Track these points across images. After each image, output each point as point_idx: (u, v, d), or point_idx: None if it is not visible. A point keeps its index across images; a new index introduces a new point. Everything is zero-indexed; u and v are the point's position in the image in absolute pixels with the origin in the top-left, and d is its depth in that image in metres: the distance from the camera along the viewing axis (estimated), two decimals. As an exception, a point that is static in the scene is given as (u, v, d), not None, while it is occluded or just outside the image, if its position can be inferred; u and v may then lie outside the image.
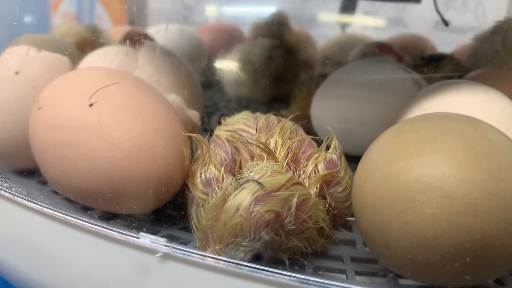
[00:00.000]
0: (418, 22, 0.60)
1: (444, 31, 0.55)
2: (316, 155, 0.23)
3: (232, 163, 0.22)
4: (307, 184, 0.22)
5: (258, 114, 0.26)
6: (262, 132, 0.23)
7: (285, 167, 0.22)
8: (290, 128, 0.24)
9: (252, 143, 0.22)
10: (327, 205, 0.22)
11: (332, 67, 0.43)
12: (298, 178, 0.22)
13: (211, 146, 0.23)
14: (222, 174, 0.21)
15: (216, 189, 0.21)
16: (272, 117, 0.25)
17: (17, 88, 0.26)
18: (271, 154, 0.22)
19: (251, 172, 0.20)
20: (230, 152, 0.22)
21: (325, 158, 0.23)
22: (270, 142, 0.23)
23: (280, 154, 0.22)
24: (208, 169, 0.22)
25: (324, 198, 0.23)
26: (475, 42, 0.39)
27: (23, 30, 0.36)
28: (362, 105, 0.33)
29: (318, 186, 0.22)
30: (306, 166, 0.22)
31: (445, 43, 0.53)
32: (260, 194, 0.18)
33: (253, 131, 0.23)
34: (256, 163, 0.21)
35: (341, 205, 0.23)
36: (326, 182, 0.23)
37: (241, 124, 0.24)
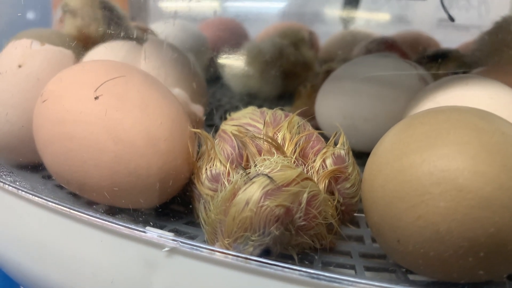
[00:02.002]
0: (421, 19, 0.60)
1: (447, 29, 0.54)
2: (324, 150, 0.22)
3: (239, 158, 0.22)
4: (315, 179, 0.21)
5: (264, 109, 0.26)
6: (269, 126, 0.23)
7: (294, 162, 0.21)
8: (298, 123, 0.24)
9: (260, 138, 0.22)
10: (336, 201, 0.22)
11: (336, 63, 0.43)
12: (307, 173, 0.22)
13: (216, 141, 0.23)
14: (228, 169, 0.21)
15: (226, 183, 0.20)
16: (279, 112, 0.25)
17: (20, 81, 0.26)
18: (279, 148, 0.21)
19: (261, 166, 0.20)
20: (236, 146, 0.22)
21: (333, 154, 0.22)
22: (278, 136, 0.22)
23: (288, 149, 0.22)
24: (213, 164, 0.21)
25: (332, 193, 0.22)
26: (481, 38, 0.39)
27: (25, 27, 0.35)
28: (367, 101, 0.32)
29: (327, 181, 0.22)
30: (314, 161, 0.22)
31: (449, 41, 0.52)
32: (270, 189, 0.18)
33: (260, 126, 0.23)
34: (266, 158, 0.21)
35: (349, 201, 0.23)
36: (334, 178, 0.22)
37: (248, 118, 0.24)
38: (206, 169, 0.22)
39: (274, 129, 0.23)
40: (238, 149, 0.22)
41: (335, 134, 0.23)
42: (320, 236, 0.21)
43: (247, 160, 0.22)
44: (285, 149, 0.22)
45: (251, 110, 0.26)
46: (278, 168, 0.19)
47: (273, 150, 0.21)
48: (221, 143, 0.23)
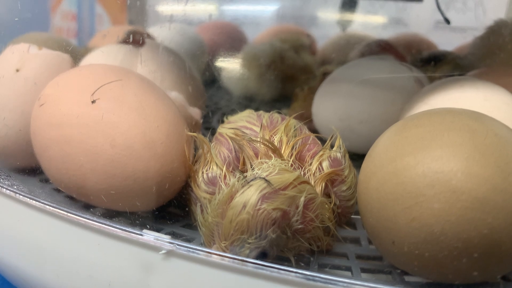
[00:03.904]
0: (418, 22, 0.60)
1: (444, 31, 0.54)
2: (320, 153, 0.22)
3: (235, 161, 0.22)
4: (312, 182, 0.22)
5: (261, 112, 0.26)
6: (266, 129, 0.23)
7: (291, 165, 0.22)
8: (294, 126, 0.24)
9: (257, 141, 0.22)
10: (332, 204, 0.22)
11: (332, 66, 0.43)
12: (303, 176, 0.22)
13: (213, 144, 0.23)
14: (225, 172, 0.21)
15: (223, 186, 0.20)
16: (275, 115, 0.25)
17: (18, 85, 0.26)
18: (276, 151, 0.21)
19: (258, 169, 0.20)
20: (233, 149, 0.22)
21: (330, 156, 0.22)
22: (274, 139, 0.22)
23: (285, 152, 0.22)
24: (210, 168, 0.22)
25: (328, 196, 0.22)
26: (474, 41, 0.39)
27: (22, 31, 0.35)
28: (364, 103, 0.33)
29: (323, 184, 0.22)
30: (311, 164, 0.22)
31: (446, 43, 0.53)
32: (268, 192, 0.18)
33: (257, 129, 0.23)
34: (263, 161, 0.21)
35: (345, 203, 0.23)
36: (331, 181, 0.22)
37: (245, 121, 0.24)
38: (202, 172, 0.22)
39: (271, 132, 0.23)
40: (235, 152, 0.22)
41: (332, 136, 0.24)
42: (317, 239, 0.21)
43: (244, 163, 0.22)
44: (281, 152, 0.22)
45: (247, 113, 0.26)
46: (276, 171, 0.19)
47: (270, 153, 0.21)
48: (218, 146, 0.23)
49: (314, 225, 0.20)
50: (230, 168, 0.22)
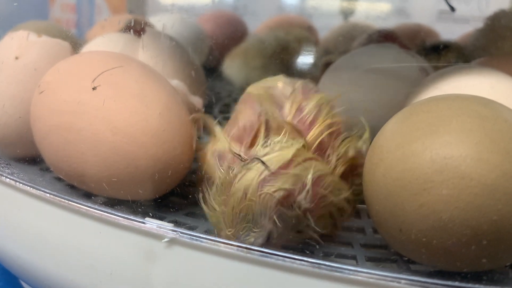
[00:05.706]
0: (421, 12, 0.59)
1: (447, 22, 0.54)
2: (349, 138, 0.21)
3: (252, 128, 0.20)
4: (334, 161, 0.20)
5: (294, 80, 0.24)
6: (298, 94, 0.21)
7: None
8: (329, 102, 0.22)
9: (279, 120, 0.20)
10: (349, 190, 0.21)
11: (335, 56, 0.42)
12: (324, 153, 0.20)
13: (238, 106, 0.22)
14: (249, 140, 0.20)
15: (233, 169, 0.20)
16: (310, 84, 0.23)
17: (17, 72, 0.26)
18: (297, 131, 0.20)
19: (262, 146, 0.19)
20: (256, 112, 0.20)
21: (356, 146, 0.21)
22: (305, 108, 0.21)
23: (318, 129, 0.20)
24: (220, 145, 0.21)
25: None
26: (475, 33, 0.39)
27: (22, 20, 0.35)
28: (368, 91, 0.32)
29: (344, 168, 0.21)
30: (337, 146, 0.21)
31: (448, 33, 0.52)
32: (267, 175, 0.17)
33: (289, 92, 0.22)
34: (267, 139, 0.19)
35: (354, 197, 0.22)
36: (350, 169, 0.21)
37: (277, 84, 0.23)
38: (213, 152, 0.21)
39: (304, 97, 0.21)
40: (259, 115, 0.20)
41: (360, 128, 0.23)
42: (332, 215, 0.20)
43: (257, 134, 0.20)
44: (316, 125, 0.20)
45: (280, 77, 0.24)
46: (276, 149, 0.18)
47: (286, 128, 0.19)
48: (242, 106, 0.21)
49: (326, 203, 0.19)
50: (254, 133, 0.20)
